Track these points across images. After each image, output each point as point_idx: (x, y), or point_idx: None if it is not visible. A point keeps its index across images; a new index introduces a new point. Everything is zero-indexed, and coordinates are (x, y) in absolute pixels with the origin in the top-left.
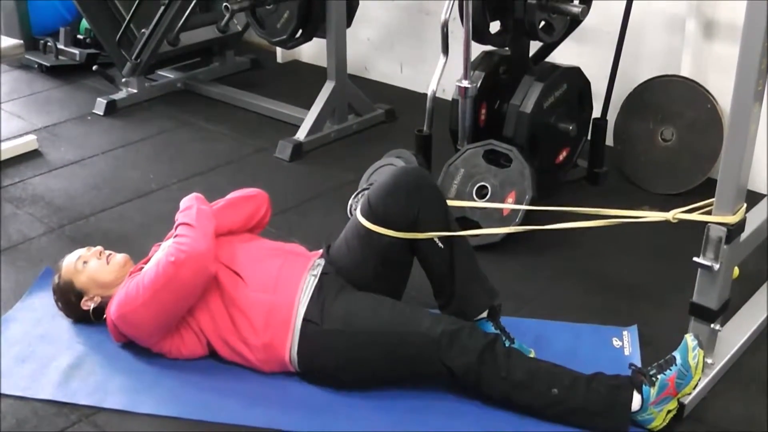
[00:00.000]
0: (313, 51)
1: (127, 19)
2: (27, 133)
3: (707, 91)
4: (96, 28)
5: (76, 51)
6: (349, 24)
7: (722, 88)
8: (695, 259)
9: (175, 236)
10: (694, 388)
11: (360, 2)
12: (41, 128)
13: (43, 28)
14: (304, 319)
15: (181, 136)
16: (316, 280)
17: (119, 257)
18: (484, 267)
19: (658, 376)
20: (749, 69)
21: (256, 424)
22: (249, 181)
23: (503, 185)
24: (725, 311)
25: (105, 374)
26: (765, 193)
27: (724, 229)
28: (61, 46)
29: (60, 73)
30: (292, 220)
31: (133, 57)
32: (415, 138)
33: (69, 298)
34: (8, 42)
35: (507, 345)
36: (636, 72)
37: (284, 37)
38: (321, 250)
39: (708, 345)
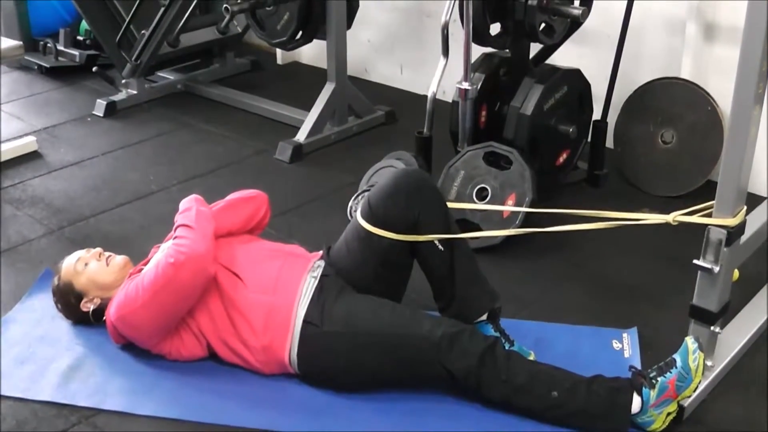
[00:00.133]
0: (313, 53)
1: (127, 20)
2: (26, 135)
3: (708, 94)
4: (96, 29)
5: (75, 52)
6: (349, 26)
7: (723, 91)
8: (695, 261)
9: (175, 238)
10: (694, 391)
11: (360, 4)
12: (41, 129)
13: (43, 30)
14: (304, 321)
15: (181, 137)
16: (316, 281)
17: (119, 259)
18: (484, 269)
19: (658, 379)
20: (750, 71)
21: (256, 425)
22: (249, 182)
23: (503, 187)
24: (725, 314)
25: (104, 376)
26: (765, 195)
27: (724, 231)
28: (60, 48)
29: (60, 74)
30: (292, 221)
31: (133, 58)
32: (415, 140)
33: (69, 300)
34: (8, 43)
35: (507, 347)
36: (636, 74)
37: (284, 38)
38: (321, 252)
39: (708, 347)
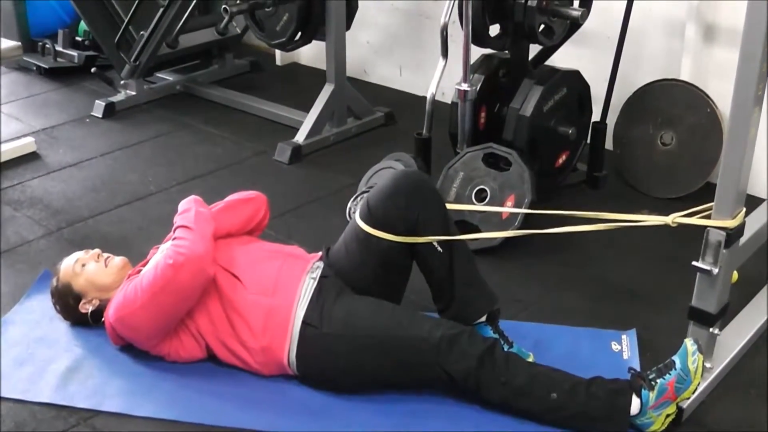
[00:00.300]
0: (312, 53)
1: (126, 21)
2: (25, 136)
3: (707, 96)
4: (94, 30)
5: (74, 53)
6: (348, 27)
7: (722, 93)
8: (694, 263)
9: (174, 239)
10: (693, 393)
11: (359, 5)
12: (39, 130)
13: (42, 30)
14: (303, 322)
15: (180, 138)
16: (315, 282)
17: (117, 260)
18: (483, 270)
19: (658, 381)
20: (749, 73)
21: (255, 427)
22: (248, 184)
23: (502, 188)
24: (724, 315)
25: (103, 377)
26: (764, 197)
27: (723, 233)
28: (59, 48)
29: (58, 75)
30: (291, 223)
31: (132, 59)
32: (414, 141)
33: (67, 301)
34: (6, 44)
35: (506, 349)
36: (636, 76)
37: (283, 39)
38: (320, 253)
39: (707, 349)
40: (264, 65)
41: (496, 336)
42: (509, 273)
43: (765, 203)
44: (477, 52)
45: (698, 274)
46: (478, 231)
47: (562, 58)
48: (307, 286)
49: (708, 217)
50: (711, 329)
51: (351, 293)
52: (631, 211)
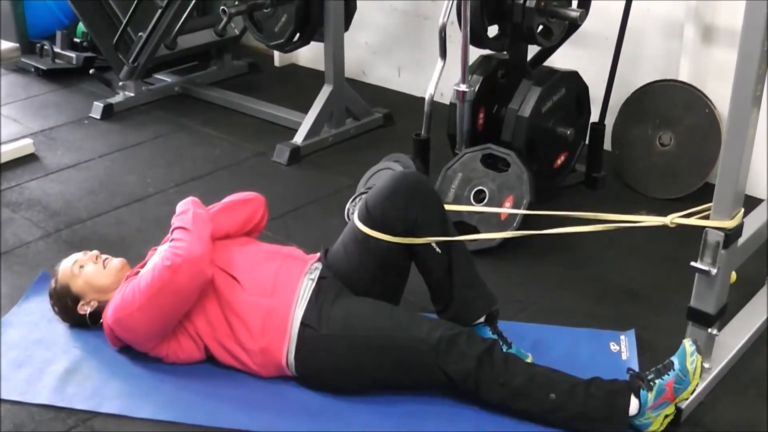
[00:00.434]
0: (310, 55)
1: (124, 22)
2: (23, 137)
3: (705, 96)
4: (93, 31)
5: (72, 54)
6: (347, 28)
7: (721, 93)
8: (693, 263)
9: (171, 240)
10: (692, 393)
11: (358, 6)
12: (38, 132)
13: (40, 32)
14: (302, 324)
15: (179, 140)
16: (314, 284)
17: (116, 261)
18: (482, 271)
19: (656, 381)
20: (747, 74)
21: (254, 428)
22: (246, 185)
23: (501, 189)
24: (723, 316)
25: (102, 379)
26: (762, 198)
27: (722, 233)
28: (57, 50)
29: (57, 76)
30: (290, 224)
31: (131, 60)
32: (413, 142)
33: (65, 303)
34: (4, 45)
35: (504, 350)
36: (634, 76)
37: (282, 40)
38: (318, 254)
39: (705, 349)
40: (262, 66)
41: (495, 337)
42: (508, 274)
43: (763, 203)
44: (475, 53)
45: (697, 274)
46: (477, 232)
47: (560, 59)
48: (306, 287)
49: (706, 217)
50: (710, 330)
51: (350, 294)
52: (629, 211)
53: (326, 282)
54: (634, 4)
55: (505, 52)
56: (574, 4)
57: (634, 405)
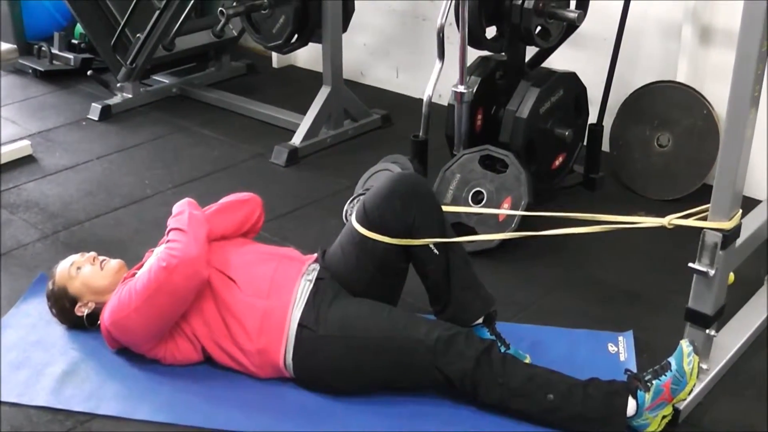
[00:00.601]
0: (308, 56)
1: (122, 23)
2: (21, 139)
3: (703, 97)
4: (90, 32)
5: (70, 56)
6: (345, 29)
7: (718, 94)
8: (691, 264)
9: (167, 241)
10: (689, 394)
11: (356, 7)
12: (35, 133)
13: (38, 33)
14: (299, 325)
15: (177, 141)
16: (311, 284)
17: (113, 263)
18: (480, 273)
19: (654, 382)
20: (745, 74)
21: (252, 429)
22: (244, 186)
23: (499, 191)
24: (721, 317)
25: (100, 381)
26: (760, 199)
27: (720, 234)
28: (55, 51)
29: (54, 78)
30: (288, 225)
31: (128, 62)
32: (411, 143)
33: (63, 304)
34: (2, 47)
35: (503, 351)
36: (632, 78)
37: (280, 42)
38: (315, 255)
39: (703, 350)
40: (260, 68)
41: (493, 338)
42: (506, 275)
43: (761, 204)
44: (473, 54)
45: (695, 275)
46: (475, 233)
47: (558, 60)
48: (303, 289)
49: (704, 218)
50: (708, 330)
51: (347, 295)
52: (627, 212)
53: (324, 283)
54: (632, 5)
55: (503, 54)
56: (572, 5)
57: (631, 406)
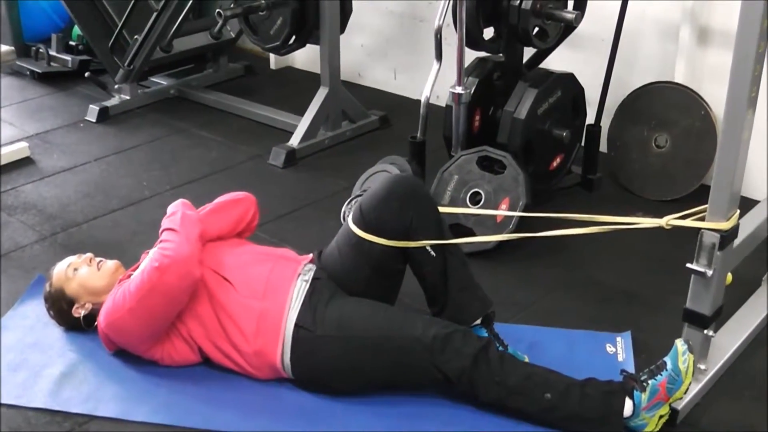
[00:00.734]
0: (306, 57)
1: (120, 25)
2: (19, 141)
3: (701, 98)
4: (88, 34)
5: (68, 57)
6: (342, 30)
7: (716, 95)
8: (689, 265)
9: (160, 242)
10: (685, 393)
11: (354, 9)
12: (33, 135)
13: (35, 35)
14: (296, 325)
15: (174, 142)
16: (308, 285)
17: (110, 264)
18: (478, 274)
19: (649, 382)
20: (743, 75)
21: (250, 430)
22: (242, 187)
23: (497, 192)
24: (719, 317)
25: (97, 382)
26: (758, 199)
27: (718, 235)
28: (53, 53)
29: (52, 79)
30: (286, 227)
31: (126, 63)
32: (408, 144)
33: (60, 306)
34: (0, 48)
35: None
36: (630, 78)
37: (277, 43)
38: (311, 255)
39: (701, 351)
40: (258, 69)
41: (491, 337)
42: (504, 276)
43: (759, 205)
44: (471, 55)
45: (692, 276)
46: (473, 234)
47: (556, 61)
48: (299, 289)
49: (702, 219)
50: (705, 331)
51: (344, 295)
52: (625, 213)
53: (320, 283)
54: (629, 5)
55: (500, 55)
56: (570, 5)
57: (628, 406)
